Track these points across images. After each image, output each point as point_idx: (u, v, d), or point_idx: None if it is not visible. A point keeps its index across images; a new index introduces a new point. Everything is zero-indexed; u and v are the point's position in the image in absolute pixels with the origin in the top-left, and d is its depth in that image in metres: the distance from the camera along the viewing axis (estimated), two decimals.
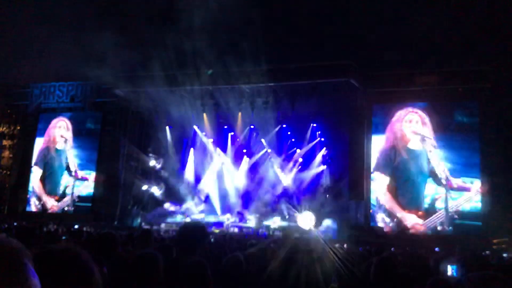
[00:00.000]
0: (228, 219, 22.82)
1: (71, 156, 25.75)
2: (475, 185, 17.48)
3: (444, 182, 17.59)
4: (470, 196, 17.32)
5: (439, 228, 17.57)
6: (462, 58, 20.33)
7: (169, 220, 23.36)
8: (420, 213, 17.80)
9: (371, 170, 20.12)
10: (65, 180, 25.53)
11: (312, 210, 22.56)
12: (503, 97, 19.53)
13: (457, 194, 17.51)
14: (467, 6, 20.07)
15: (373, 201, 19.64)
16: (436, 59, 20.78)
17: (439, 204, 17.70)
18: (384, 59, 20.71)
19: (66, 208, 25.03)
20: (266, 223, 22.27)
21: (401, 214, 18.00)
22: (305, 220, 22.36)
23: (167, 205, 24.78)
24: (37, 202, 25.70)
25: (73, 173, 25.41)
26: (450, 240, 17.67)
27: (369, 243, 14.75)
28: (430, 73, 20.71)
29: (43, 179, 25.92)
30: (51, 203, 25.35)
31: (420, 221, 17.98)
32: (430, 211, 17.62)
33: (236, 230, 21.97)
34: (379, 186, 18.84)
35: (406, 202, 18.10)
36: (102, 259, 3.32)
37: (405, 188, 18.05)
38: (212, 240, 11.58)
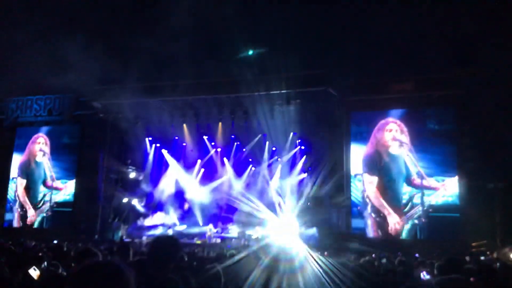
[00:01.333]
0: (210, 230, 22.74)
1: (49, 168, 25.97)
2: (446, 182, 19.62)
3: (419, 181, 19.85)
4: (442, 192, 19.59)
5: (416, 221, 19.66)
6: (437, 65, 20.72)
7: (151, 232, 23.16)
8: (400, 208, 19.91)
9: (361, 173, 21.08)
10: (43, 189, 25.90)
11: (294, 218, 22.65)
12: (478, 103, 19.98)
13: (430, 191, 19.72)
14: (442, 13, 20.51)
15: (357, 201, 20.89)
16: (412, 66, 21.12)
17: (416, 200, 19.84)
18: (360, 68, 20.96)
19: (44, 214, 25.44)
20: (248, 232, 22.25)
21: (386, 210, 20.07)
22: (287, 229, 22.45)
23: (148, 218, 24.59)
24: (20, 210, 26.01)
25: (50, 183, 25.75)
26: (430, 246, 18.01)
27: (350, 250, 14.89)
28: (406, 80, 21.09)
29: (27, 189, 26.20)
30: (31, 212, 25.75)
31: (398, 219, 19.95)
32: (408, 206, 19.85)
33: (218, 240, 21.92)
34: (368, 185, 20.61)
35: (389, 198, 20.15)
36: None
37: (389, 186, 20.21)
38: (192, 251, 11.54)
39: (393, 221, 19.99)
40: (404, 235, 19.91)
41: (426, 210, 19.47)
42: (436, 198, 19.65)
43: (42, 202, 25.72)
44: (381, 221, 20.20)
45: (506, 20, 19.67)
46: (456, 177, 19.70)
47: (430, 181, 19.80)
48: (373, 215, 20.36)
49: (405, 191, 20.03)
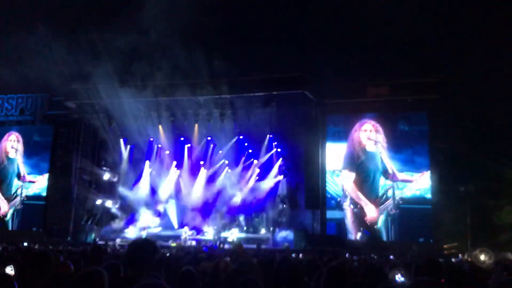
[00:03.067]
0: (185, 232, 22.54)
1: (21, 163, 26.00)
2: (418, 176, 20.84)
3: (391, 176, 21.12)
4: (414, 185, 20.88)
5: (390, 212, 20.88)
6: (411, 70, 21.11)
7: (124, 235, 22.85)
8: (376, 200, 21.10)
9: (340, 169, 21.96)
10: (17, 183, 25.93)
11: (270, 220, 22.70)
12: (451, 108, 20.47)
13: (403, 184, 21.00)
14: (416, 18, 20.88)
15: (336, 194, 21.92)
16: (387, 71, 21.48)
17: (390, 193, 21.11)
18: (337, 71, 21.18)
19: (17, 207, 25.55)
20: (223, 235, 22.16)
21: (363, 201, 21.28)
22: (263, 230, 22.49)
23: (122, 220, 24.27)
24: None
25: (22, 177, 25.83)
26: (403, 247, 18.33)
27: (324, 252, 14.99)
28: (381, 85, 21.43)
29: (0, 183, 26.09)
30: (4, 205, 25.70)
31: (374, 210, 21.14)
32: (383, 199, 21.10)
33: (194, 243, 21.75)
34: (347, 181, 21.71)
35: (366, 192, 21.34)
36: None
37: (365, 181, 21.42)
38: (168, 254, 11.42)
39: (370, 211, 21.14)
40: (379, 224, 20.92)
41: (397, 202, 20.79)
42: (408, 191, 20.89)
43: (14, 195, 25.72)
44: (358, 212, 21.31)
45: (482, 27, 20.20)
46: (428, 172, 20.72)
47: (402, 176, 21.02)
48: (351, 206, 21.50)
49: (381, 184, 21.23)
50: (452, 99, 20.55)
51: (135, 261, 3.56)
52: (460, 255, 16.82)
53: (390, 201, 20.92)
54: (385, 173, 21.18)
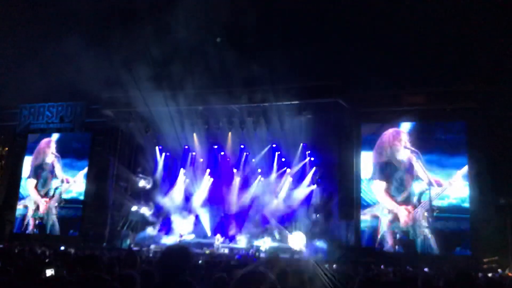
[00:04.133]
0: (218, 240, 22.63)
1: (59, 168, 26.83)
2: (452, 185, 20.40)
3: (426, 184, 20.75)
4: (449, 193, 20.44)
5: (425, 220, 20.46)
6: (449, 79, 20.62)
7: (159, 241, 23.11)
8: (410, 207, 20.84)
9: (369, 179, 21.78)
10: (55, 185, 26.72)
11: (303, 230, 22.49)
12: (491, 117, 19.81)
13: (437, 192, 20.59)
14: (455, 26, 20.42)
15: (370, 202, 21.67)
16: (424, 79, 21.07)
17: (424, 202, 20.74)
18: (372, 79, 20.92)
19: (54, 207, 26.27)
20: (256, 243, 22.12)
21: (396, 210, 21.05)
22: (296, 240, 22.27)
23: (157, 227, 24.57)
24: (32, 204, 26.73)
25: (60, 179, 26.62)
26: (441, 259, 17.83)
27: (359, 263, 14.74)
28: (417, 93, 21.00)
29: (37, 187, 26.95)
30: (42, 207, 26.46)
31: (409, 219, 20.82)
32: (417, 206, 20.79)
33: (226, 250, 21.79)
34: (378, 190, 21.54)
35: (399, 201, 21.10)
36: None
37: (398, 190, 21.22)
38: (200, 262, 11.48)
39: (404, 220, 20.83)
40: (414, 234, 20.55)
41: (432, 210, 20.39)
42: (445, 200, 20.48)
43: (52, 195, 26.47)
44: (392, 221, 21.05)
45: None
46: (466, 180, 20.21)
47: (438, 183, 20.60)
48: (385, 215, 21.25)
49: (416, 192, 20.87)
50: (492, 108, 19.85)
51: (168, 268, 3.58)
52: (499, 270, 16.24)
53: (425, 209, 20.55)
54: (420, 181, 20.84)
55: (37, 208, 26.44)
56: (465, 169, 20.24)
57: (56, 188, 26.50)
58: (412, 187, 20.92)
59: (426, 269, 13.74)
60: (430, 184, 20.56)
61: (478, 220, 19.36)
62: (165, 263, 3.68)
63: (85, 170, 26.08)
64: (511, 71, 19.39)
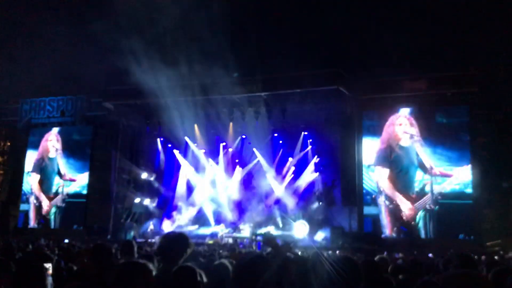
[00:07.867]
0: (222, 230, 22.72)
1: (62, 163, 26.56)
2: (458, 170, 20.10)
3: (429, 170, 20.42)
4: (454, 180, 20.15)
5: (427, 207, 20.24)
6: (450, 63, 20.49)
7: (163, 233, 23.20)
8: (412, 196, 20.57)
9: (373, 165, 21.49)
10: (57, 181, 26.51)
11: (306, 218, 22.54)
12: (492, 101, 19.73)
13: (441, 179, 20.30)
14: (455, 11, 20.28)
15: (371, 190, 21.41)
16: (424, 64, 20.93)
17: (427, 188, 20.43)
18: (372, 66, 20.82)
19: (58, 204, 26.09)
20: (259, 232, 22.17)
21: (398, 197, 20.79)
22: (299, 229, 22.34)
23: (160, 218, 24.66)
24: (35, 202, 26.67)
25: (63, 176, 26.37)
26: (444, 244, 17.82)
27: (362, 250, 14.78)
28: (418, 78, 20.87)
29: (40, 183, 26.80)
30: (46, 203, 26.38)
31: (411, 207, 20.58)
32: (420, 194, 20.50)
33: (230, 240, 21.87)
34: (380, 177, 21.23)
35: (401, 188, 20.81)
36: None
37: (400, 177, 20.91)
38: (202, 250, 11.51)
39: (406, 207, 20.59)
40: (417, 220, 20.33)
41: (436, 197, 20.10)
42: (448, 186, 20.19)
43: (55, 193, 26.37)
44: (394, 208, 20.80)
45: None
46: (469, 166, 19.91)
47: (441, 170, 20.36)
48: (386, 202, 21.00)
49: (417, 179, 20.65)
50: (494, 92, 19.76)
51: (167, 254, 3.59)
52: (501, 252, 16.24)
53: (428, 196, 20.26)
54: (422, 167, 20.54)
55: (41, 203, 26.41)
56: (468, 153, 20.06)
57: (59, 187, 26.36)
58: (414, 176, 20.67)
59: (430, 255, 13.74)
60: (432, 169, 20.32)
61: (482, 205, 19.34)
62: (163, 248, 3.68)
63: (88, 163, 26.05)
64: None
